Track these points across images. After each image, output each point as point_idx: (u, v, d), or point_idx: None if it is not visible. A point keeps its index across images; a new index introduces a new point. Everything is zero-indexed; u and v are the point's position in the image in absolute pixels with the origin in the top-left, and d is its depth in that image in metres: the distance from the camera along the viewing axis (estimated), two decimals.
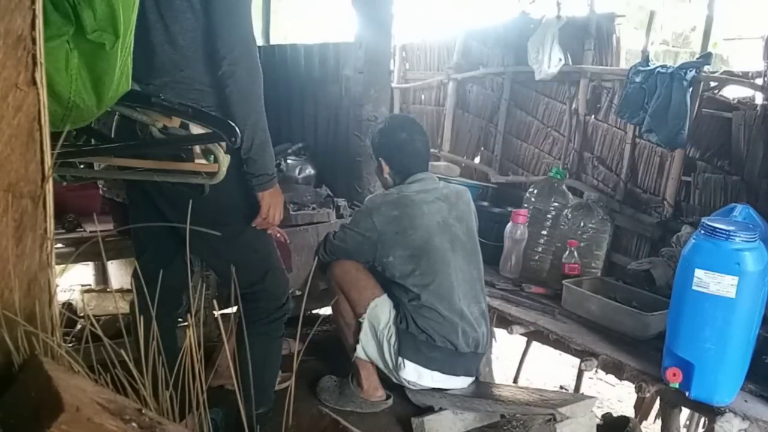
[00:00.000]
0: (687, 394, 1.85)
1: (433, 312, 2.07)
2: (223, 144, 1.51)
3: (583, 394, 2.79)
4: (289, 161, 3.18)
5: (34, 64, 0.87)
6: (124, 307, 2.59)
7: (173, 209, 1.68)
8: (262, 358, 1.72)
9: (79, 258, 2.18)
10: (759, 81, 2.63)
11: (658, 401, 2.49)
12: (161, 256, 1.80)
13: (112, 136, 1.67)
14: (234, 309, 1.72)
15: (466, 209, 2.27)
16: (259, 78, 1.63)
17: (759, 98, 2.66)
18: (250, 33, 1.61)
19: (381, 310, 2.13)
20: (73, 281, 3.51)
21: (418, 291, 2.09)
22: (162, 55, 1.58)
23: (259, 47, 1.66)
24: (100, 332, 1.00)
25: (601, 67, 3.33)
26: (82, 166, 1.69)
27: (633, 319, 2.30)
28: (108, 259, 2.27)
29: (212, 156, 1.53)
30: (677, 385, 1.85)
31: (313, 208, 2.83)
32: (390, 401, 2.21)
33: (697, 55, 2.88)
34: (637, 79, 2.93)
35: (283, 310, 1.85)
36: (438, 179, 2.31)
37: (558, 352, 2.50)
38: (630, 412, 2.97)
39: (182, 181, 1.57)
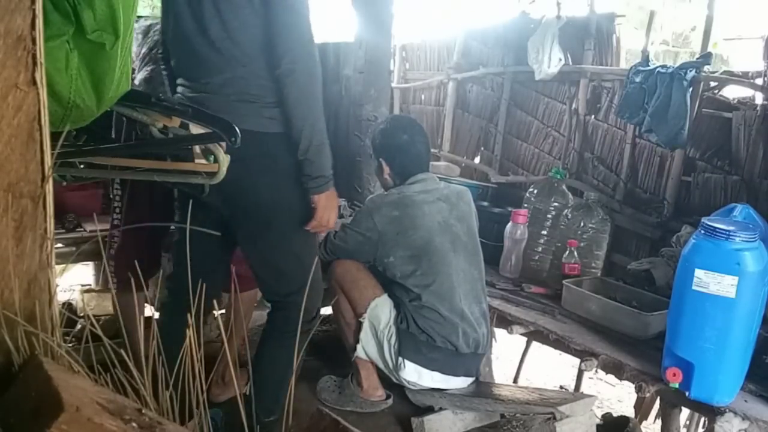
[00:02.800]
0: (687, 394, 1.84)
1: (434, 312, 2.07)
2: (223, 144, 1.51)
3: (582, 393, 2.78)
4: None
5: (34, 64, 0.87)
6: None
7: (228, 209, 1.66)
8: (283, 370, 1.66)
9: (79, 258, 2.18)
10: (759, 81, 2.63)
11: (658, 401, 2.49)
12: (205, 261, 1.66)
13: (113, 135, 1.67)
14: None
15: (467, 209, 2.27)
16: (318, 78, 1.61)
17: (759, 98, 2.66)
18: (309, 32, 1.59)
19: (381, 310, 2.13)
20: (73, 281, 3.51)
21: (419, 291, 2.09)
22: (222, 51, 1.57)
23: None
24: (100, 332, 0.99)
25: (601, 67, 3.33)
26: (82, 166, 1.69)
27: (633, 319, 2.30)
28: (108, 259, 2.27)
29: (212, 156, 1.52)
30: (677, 385, 1.85)
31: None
32: (390, 401, 2.21)
33: (697, 55, 2.88)
34: (637, 79, 2.93)
35: (312, 323, 1.78)
36: (439, 179, 2.32)
37: (558, 352, 2.50)
38: (630, 412, 2.97)
39: (182, 181, 1.57)
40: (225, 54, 1.58)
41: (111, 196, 2.17)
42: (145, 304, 2.98)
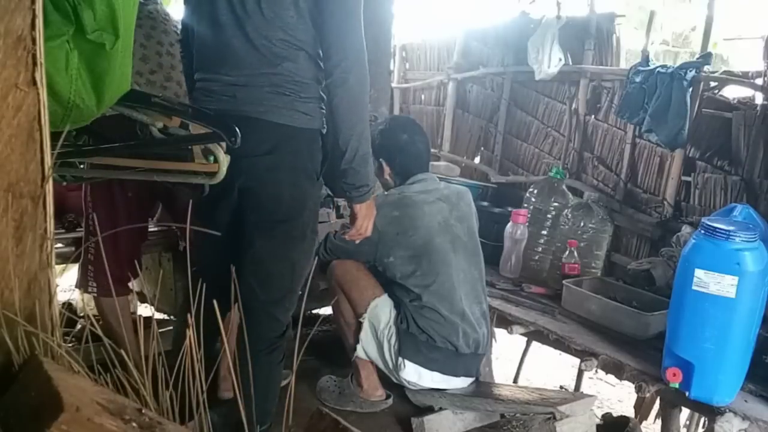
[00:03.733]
0: (687, 394, 1.84)
1: (434, 313, 2.07)
2: (223, 144, 1.51)
3: (582, 392, 2.78)
4: None
5: (34, 64, 0.87)
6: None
7: (243, 199, 1.64)
8: (264, 385, 1.65)
9: (79, 258, 2.18)
10: (759, 81, 2.63)
11: (658, 401, 2.49)
12: (222, 259, 1.63)
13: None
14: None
15: (467, 210, 2.27)
16: (368, 87, 1.60)
17: (759, 98, 2.66)
18: (362, 41, 1.59)
19: (381, 310, 2.13)
20: (73, 281, 3.51)
21: (419, 291, 2.09)
22: (259, 48, 1.56)
23: None
24: (100, 332, 0.99)
25: (601, 67, 3.33)
26: (81, 166, 1.69)
27: (633, 319, 2.30)
28: None
29: (212, 156, 1.52)
30: (677, 385, 1.85)
31: None
32: (390, 401, 2.21)
33: (697, 55, 2.88)
34: (637, 79, 2.93)
35: (284, 337, 1.75)
36: (439, 180, 2.31)
37: (558, 352, 2.50)
38: (630, 412, 2.96)
39: (182, 182, 1.57)
40: (261, 51, 1.56)
41: (87, 200, 2.11)
42: (145, 304, 2.98)
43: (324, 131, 1.69)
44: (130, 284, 2.28)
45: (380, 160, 2.24)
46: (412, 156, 2.22)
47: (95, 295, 2.15)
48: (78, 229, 2.33)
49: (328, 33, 1.55)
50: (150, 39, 2.10)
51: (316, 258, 2.28)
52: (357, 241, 1.84)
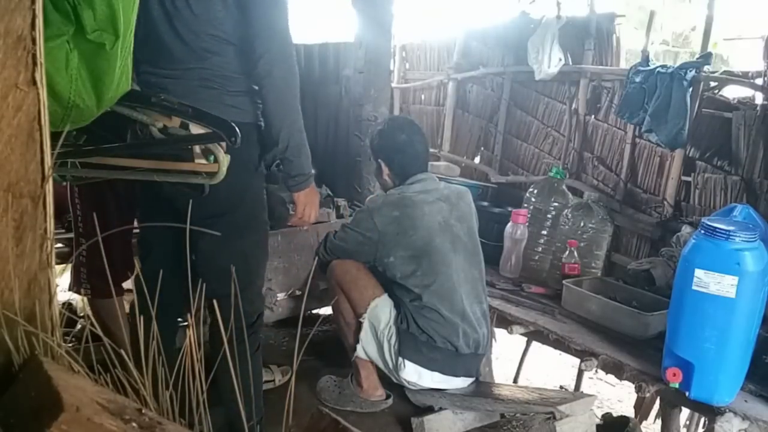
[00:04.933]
0: (687, 394, 1.85)
1: (435, 313, 2.07)
2: (223, 144, 1.51)
3: (582, 392, 2.78)
4: None
5: (34, 64, 0.87)
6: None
7: (176, 202, 1.65)
8: (246, 377, 1.65)
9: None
10: (759, 81, 2.63)
11: (658, 401, 2.49)
12: (167, 256, 1.72)
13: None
14: None
15: (467, 210, 2.27)
16: (296, 78, 1.62)
17: (759, 98, 2.66)
18: (288, 32, 1.60)
19: (381, 310, 2.13)
20: None
21: (420, 291, 2.08)
22: (188, 43, 1.57)
23: None
24: (100, 332, 0.99)
25: (601, 67, 3.34)
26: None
27: (633, 319, 2.30)
28: None
29: (212, 156, 1.52)
30: (677, 385, 1.85)
31: None
32: (390, 401, 2.21)
33: (697, 55, 2.88)
34: (637, 79, 2.93)
35: (254, 327, 1.74)
36: (438, 180, 2.32)
37: (558, 352, 2.50)
38: (630, 412, 2.97)
39: (182, 182, 1.57)
40: (191, 45, 1.58)
41: (74, 202, 2.10)
42: None
43: (260, 123, 1.70)
44: (124, 284, 2.28)
45: (379, 160, 2.25)
46: (410, 156, 2.22)
47: (89, 297, 2.14)
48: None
49: (253, 25, 1.56)
50: None
51: (316, 258, 2.29)
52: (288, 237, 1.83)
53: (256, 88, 1.67)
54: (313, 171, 1.74)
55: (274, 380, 2.32)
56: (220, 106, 1.59)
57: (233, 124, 1.45)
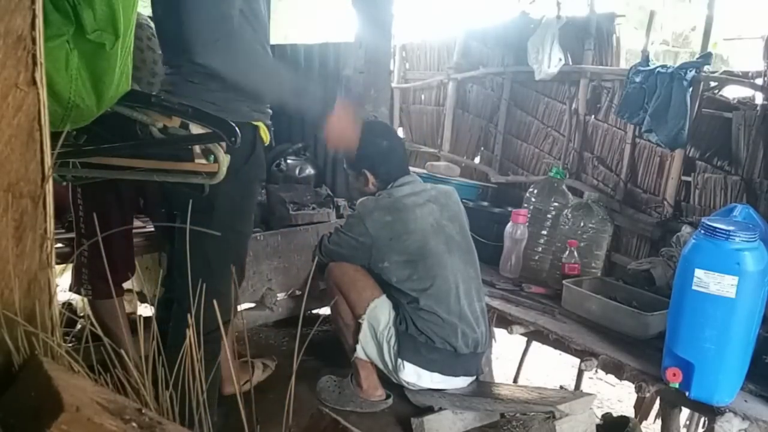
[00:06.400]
0: (687, 394, 1.84)
1: (433, 315, 2.07)
2: (223, 144, 1.50)
3: (582, 391, 2.78)
4: (289, 161, 3.18)
5: (34, 64, 0.87)
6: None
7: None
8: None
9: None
10: (759, 81, 2.63)
11: (658, 401, 2.49)
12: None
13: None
14: None
15: (457, 209, 2.26)
16: (242, 49, 1.55)
17: (759, 98, 2.66)
18: (215, 17, 1.50)
19: (380, 311, 2.12)
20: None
21: (416, 295, 2.08)
22: (174, 38, 1.58)
23: None
24: (100, 332, 0.99)
25: (601, 67, 3.34)
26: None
27: (633, 319, 2.30)
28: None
29: (212, 156, 1.52)
30: (677, 385, 1.85)
31: (313, 208, 2.83)
32: (390, 401, 2.21)
33: (697, 55, 2.88)
34: (637, 79, 2.93)
35: (210, 337, 1.54)
36: (425, 181, 2.31)
37: (558, 352, 2.50)
38: (630, 412, 2.97)
39: (182, 181, 1.57)
40: (174, 40, 1.58)
41: (76, 202, 2.09)
42: (145, 304, 2.98)
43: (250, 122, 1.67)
44: (125, 285, 2.28)
45: (363, 170, 2.20)
46: (394, 162, 2.20)
47: (90, 297, 2.14)
48: None
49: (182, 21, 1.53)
50: None
51: (315, 259, 2.28)
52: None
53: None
54: (326, 98, 1.73)
55: (250, 380, 2.25)
56: (198, 102, 1.56)
57: (233, 124, 1.45)
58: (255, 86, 1.62)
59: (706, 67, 2.76)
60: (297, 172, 3.15)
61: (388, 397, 2.22)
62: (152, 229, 2.42)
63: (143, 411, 0.82)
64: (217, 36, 1.49)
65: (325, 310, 2.61)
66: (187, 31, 1.49)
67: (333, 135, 1.76)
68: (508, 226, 2.97)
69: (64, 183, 1.97)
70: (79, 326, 2.42)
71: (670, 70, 2.79)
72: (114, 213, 2.11)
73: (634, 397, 3.09)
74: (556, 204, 3.05)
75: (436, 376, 2.11)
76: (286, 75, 1.68)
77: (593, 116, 3.39)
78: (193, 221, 1.57)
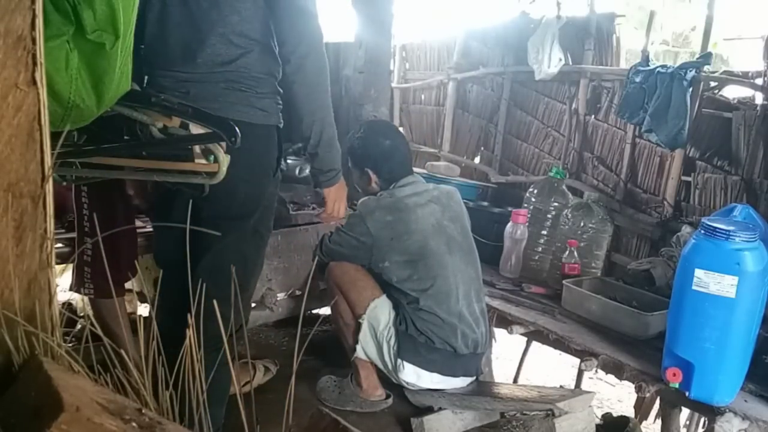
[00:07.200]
0: (687, 394, 1.84)
1: (432, 315, 2.07)
2: (224, 144, 1.50)
3: (581, 389, 2.78)
4: (289, 161, 3.17)
5: (34, 64, 0.87)
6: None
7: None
8: (210, 385, 1.62)
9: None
10: (759, 81, 2.63)
11: (658, 401, 2.49)
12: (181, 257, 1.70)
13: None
14: None
15: (459, 209, 2.26)
16: (326, 72, 1.61)
17: (759, 98, 2.66)
18: (318, 25, 1.59)
19: (381, 311, 2.13)
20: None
21: (417, 295, 2.08)
22: (215, 44, 1.55)
23: None
24: (100, 332, 0.99)
25: (601, 67, 3.34)
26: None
27: (633, 319, 2.30)
28: None
29: (212, 156, 1.52)
30: (677, 385, 1.85)
31: (313, 208, 2.83)
32: (390, 400, 2.21)
33: (697, 55, 2.88)
34: (637, 79, 2.93)
35: (230, 338, 1.68)
36: (426, 180, 2.31)
37: (558, 352, 2.50)
38: (630, 412, 2.97)
39: (182, 181, 1.57)
40: (217, 46, 1.55)
41: (81, 201, 2.08)
42: (145, 304, 2.98)
43: (281, 126, 1.69)
44: (127, 284, 2.27)
45: (366, 169, 2.21)
46: (397, 160, 2.20)
47: (92, 297, 2.14)
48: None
49: (282, 19, 1.55)
50: None
51: (315, 259, 2.28)
52: (335, 225, 1.83)
53: (281, 90, 1.65)
54: (341, 165, 1.75)
55: (250, 382, 2.24)
56: (249, 109, 1.58)
57: (233, 124, 1.45)
58: (315, 102, 1.61)
59: (706, 67, 2.76)
60: (297, 172, 3.15)
61: (387, 397, 2.22)
62: (152, 230, 2.42)
63: (143, 411, 0.82)
64: (320, 44, 1.58)
65: (325, 310, 2.61)
66: (297, 28, 1.54)
67: (336, 198, 1.78)
68: (508, 226, 2.97)
69: (65, 183, 1.97)
70: (79, 326, 2.41)
71: (670, 70, 2.79)
72: (120, 212, 2.11)
73: (634, 397, 3.09)
74: (556, 204, 3.05)
75: (436, 376, 2.11)
76: (331, 114, 1.69)
77: (593, 116, 3.39)
78: (234, 225, 1.59)
